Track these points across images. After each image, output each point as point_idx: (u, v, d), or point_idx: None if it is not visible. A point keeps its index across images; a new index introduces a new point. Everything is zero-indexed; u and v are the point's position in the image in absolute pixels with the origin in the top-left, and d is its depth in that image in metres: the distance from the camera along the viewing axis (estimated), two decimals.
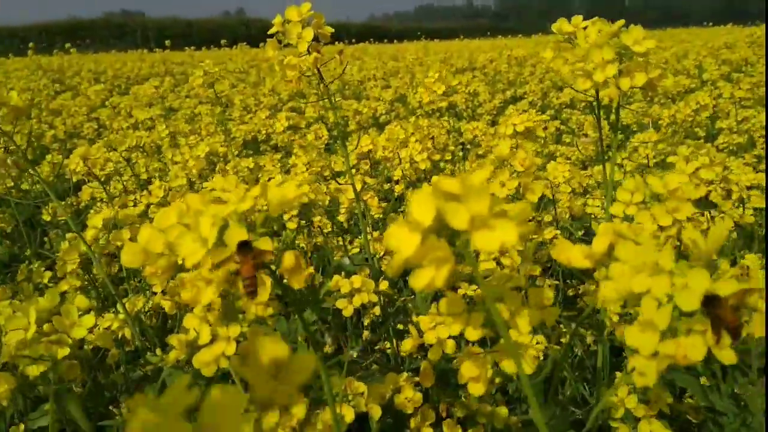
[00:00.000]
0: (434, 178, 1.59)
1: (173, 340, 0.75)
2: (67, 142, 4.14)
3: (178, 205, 0.62)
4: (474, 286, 0.96)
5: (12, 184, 2.62)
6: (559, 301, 1.91)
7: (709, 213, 1.08)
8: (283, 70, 1.13)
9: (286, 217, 1.50)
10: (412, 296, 1.46)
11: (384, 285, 1.22)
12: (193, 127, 3.77)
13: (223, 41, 14.89)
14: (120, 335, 1.07)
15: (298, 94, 5.35)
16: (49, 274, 1.49)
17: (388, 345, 1.54)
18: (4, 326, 0.77)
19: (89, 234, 1.11)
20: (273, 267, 0.61)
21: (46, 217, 2.17)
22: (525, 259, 0.68)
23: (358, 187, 1.46)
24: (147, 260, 0.62)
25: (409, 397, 0.91)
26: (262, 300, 0.59)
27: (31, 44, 11.53)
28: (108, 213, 1.12)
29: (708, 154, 1.02)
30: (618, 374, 1.05)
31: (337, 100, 4.57)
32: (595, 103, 0.98)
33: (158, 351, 1.00)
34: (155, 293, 1.23)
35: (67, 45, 12.64)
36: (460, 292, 1.05)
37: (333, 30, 1.17)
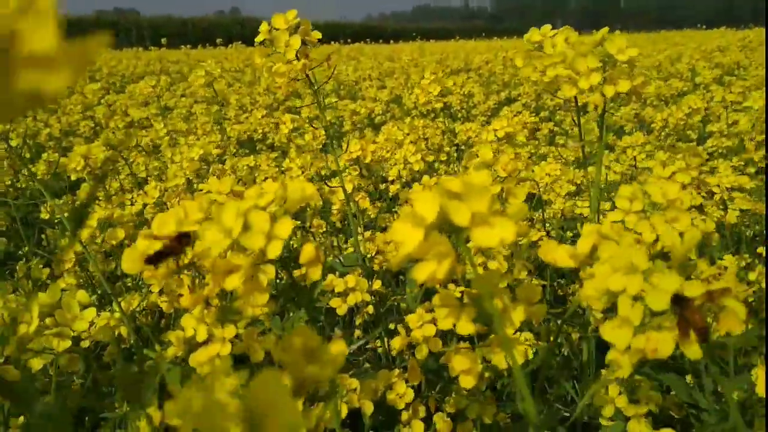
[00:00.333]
0: (425, 178, 1.60)
1: (171, 336, 0.78)
2: (63, 140, 4.15)
3: (175, 211, 0.64)
4: (462, 287, 0.99)
5: (9, 182, 2.64)
6: (549, 300, 1.94)
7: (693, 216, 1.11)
8: (271, 77, 1.15)
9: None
10: (404, 296, 1.49)
11: (377, 284, 1.24)
12: (189, 126, 3.78)
13: (218, 40, 14.87)
14: (116, 333, 1.09)
15: (294, 94, 5.37)
16: (47, 271, 1.51)
17: (379, 344, 1.57)
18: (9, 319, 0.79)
19: (85, 233, 1.13)
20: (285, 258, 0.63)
21: (44, 215, 2.18)
22: (518, 257, 0.71)
23: (349, 188, 1.48)
24: (146, 266, 0.64)
25: (400, 393, 0.94)
26: (260, 302, 0.62)
27: None
28: (103, 213, 1.14)
29: (684, 159, 1.05)
30: (603, 371, 1.08)
31: (333, 101, 4.59)
32: (573, 110, 1.02)
33: (157, 347, 1.02)
34: (151, 291, 1.26)
35: None
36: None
37: (321, 35, 1.18)
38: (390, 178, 2.39)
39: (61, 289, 1.31)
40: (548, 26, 1.18)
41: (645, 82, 0.85)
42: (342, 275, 1.23)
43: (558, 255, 0.63)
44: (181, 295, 0.82)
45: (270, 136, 3.80)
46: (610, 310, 0.64)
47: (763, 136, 1.19)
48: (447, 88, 2.53)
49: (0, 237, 2.50)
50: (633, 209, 0.83)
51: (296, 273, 0.72)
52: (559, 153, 3.28)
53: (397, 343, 0.94)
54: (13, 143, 1.83)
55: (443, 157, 3.40)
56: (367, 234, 1.65)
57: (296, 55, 1.13)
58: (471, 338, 0.80)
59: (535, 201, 2.25)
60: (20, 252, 2.44)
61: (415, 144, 2.31)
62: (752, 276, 1.10)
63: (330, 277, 1.19)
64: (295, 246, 1.92)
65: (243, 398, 0.36)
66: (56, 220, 2.27)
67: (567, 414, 1.21)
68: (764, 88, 4.42)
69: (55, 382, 0.83)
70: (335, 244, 2.01)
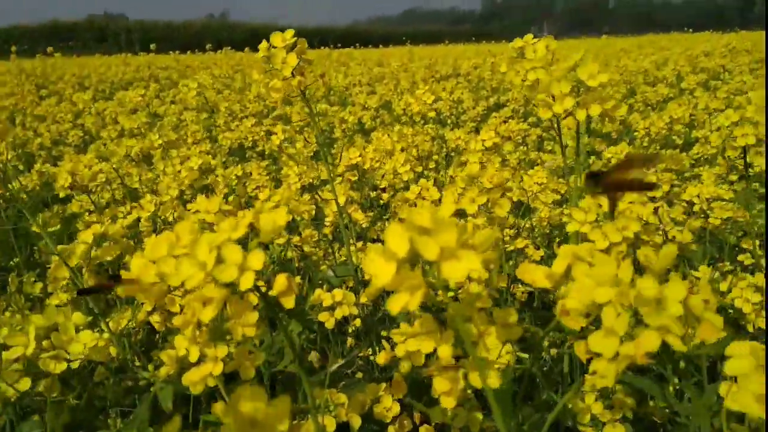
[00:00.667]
0: (413, 187, 1.63)
1: (164, 356, 0.80)
2: (53, 149, 4.14)
3: (167, 236, 0.66)
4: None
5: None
6: (537, 306, 1.98)
7: (663, 228, 1.14)
8: (268, 92, 1.18)
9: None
10: None
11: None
12: (179, 134, 3.79)
13: (208, 46, 14.85)
14: (107, 353, 1.11)
15: (284, 101, 5.38)
16: (40, 285, 1.52)
17: (370, 352, 1.60)
18: (5, 342, 0.81)
19: (79, 249, 1.15)
20: (263, 287, 0.66)
21: (36, 229, 2.19)
22: (490, 284, 0.73)
23: (342, 200, 1.50)
24: (140, 289, 0.67)
25: (387, 406, 0.97)
26: (250, 322, 0.64)
27: (13, 48, 11.42)
28: (98, 228, 1.15)
29: (656, 173, 1.09)
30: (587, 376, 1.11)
31: (323, 107, 4.60)
32: (555, 131, 1.05)
33: (150, 367, 1.03)
34: (143, 306, 1.27)
35: (50, 49, 12.53)
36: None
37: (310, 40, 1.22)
38: (381, 186, 2.42)
39: (55, 305, 1.33)
40: (530, 35, 1.24)
41: (616, 106, 0.89)
42: (333, 287, 1.25)
43: (535, 276, 0.66)
44: (173, 314, 0.85)
45: (260, 144, 3.82)
46: (586, 329, 0.67)
47: (736, 152, 1.22)
48: (438, 96, 2.57)
49: None
50: (588, 219, 0.89)
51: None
52: (546, 159, 3.33)
53: (382, 358, 0.97)
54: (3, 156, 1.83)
55: (432, 165, 3.43)
56: (359, 244, 1.68)
57: (292, 73, 1.17)
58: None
59: (523, 209, 2.29)
60: (12, 262, 2.43)
61: (405, 151, 2.34)
62: (723, 287, 1.14)
63: (318, 291, 1.21)
64: (289, 256, 1.94)
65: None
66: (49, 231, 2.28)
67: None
68: (746, 93, 4.49)
69: (50, 402, 0.85)
70: (329, 251, 2.04)
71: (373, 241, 1.90)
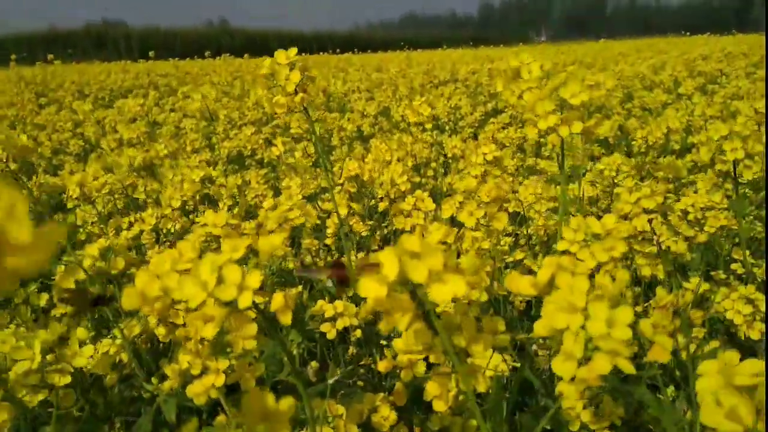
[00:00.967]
0: (408, 198, 1.65)
1: (168, 370, 0.82)
2: (53, 158, 4.17)
3: (171, 253, 0.69)
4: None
5: None
6: (535, 315, 2.00)
7: (658, 241, 1.16)
8: (272, 107, 1.21)
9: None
10: None
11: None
12: (179, 142, 3.81)
13: (207, 53, 14.91)
14: (117, 360, 1.13)
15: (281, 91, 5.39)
16: (45, 296, 1.54)
17: (371, 360, 1.62)
18: (11, 356, 0.84)
19: (86, 263, 1.17)
20: (261, 305, 0.68)
21: None
22: (474, 304, 0.76)
23: (343, 212, 1.52)
24: (144, 303, 0.69)
25: (384, 416, 0.99)
26: (250, 334, 0.67)
27: (13, 56, 11.47)
28: (104, 242, 1.18)
29: (651, 186, 1.12)
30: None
31: (321, 113, 4.63)
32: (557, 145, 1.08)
33: (154, 380, 1.06)
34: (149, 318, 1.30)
35: (51, 56, 12.58)
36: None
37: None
38: (379, 195, 2.45)
39: (62, 314, 1.35)
40: (526, 54, 1.27)
41: (597, 123, 0.92)
42: (333, 298, 1.28)
43: (521, 285, 0.69)
44: (177, 326, 0.87)
45: (259, 152, 3.84)
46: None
47: (726, 166, 1.24)
48: (434, 106, 2.59)
49: None
50: (576, 239, 0.92)
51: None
52: (544, 166, 3.36)
53: (382, 367, 0.99)
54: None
55: (430, 173, 3.46)
56: (360, 255, 1.70)
57: (295, 89, 1.20)
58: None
59: (519, 218, 2.31)
60: None
61: (402, 161, 2.37)
62: (718, 298, 1.16)
63: (320, 302, 1.23)
64: (290, 266, 1.97)
65: None
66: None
67: (547, 427, 1.26)
68: (744, 99, 4.53)
69: (56, 415, 0.87)
70: (329, 261, 2.06)
71: (374, 251, 1.92)
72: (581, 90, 0.88)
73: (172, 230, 1.76)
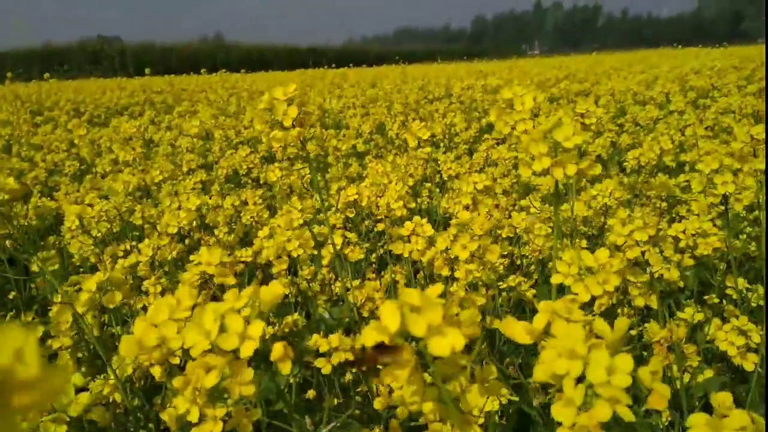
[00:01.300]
0: (407, 224, 1.66)
1: (164, 415, 0.82)
2: (48, 180, 4.17)
3: (168, 300, 0.70)
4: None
5: None
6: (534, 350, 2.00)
7: (651, 271, 1.17)
8: (269, 141, 1.22)
9: (276, 269, 1.57)
10: None
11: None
12: (174, 161, 3.81)
13: (203, 70, 14.96)
14: (111, 399, 1.13)
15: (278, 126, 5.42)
16: (41, 329, 1.53)
17: (366, 388, 1.62)
18: None
19: (83, 297, 1.17)
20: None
21: (35, 269, 2.21)
22: (471, 354, 0.77)
23: (338, 242, 1.53)
24: (142, 351, 0.70)
25: None
26: (246, 380, 0.67)
27: (9, 74, 11.48)
28: (101, 276, 1.18)
29: (642, 218, 1.13)
30: None
31: (317, 131, 4.65)
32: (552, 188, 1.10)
33: (151, 426, 1.06)
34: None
35: (46, 75, 12.60)
36: None
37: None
38: (375, 218, 2.45)
39: (58, 348, 1.35)
40: (519, 87, 1.29)
41: (591, 165, 0.93)
42: (329, 330, 1.28)
43: (516, 331, 0.69)
44: (173, 366, 0.87)
45: (255, 171, 3.85)
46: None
47: (717, 199, 1.26)
48: (431, 124, 2.61)
49: None
50: (571, 273, 0.93)
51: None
52: (539, 183, 3.37)
53: (378, 404, 0.99)
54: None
55: (425, 193, 3.47)
56: (356, 282, 1.71)
57: (292, 124, 1.21)
58: None
59: (514, 239, 2.32)
60: (10, 294, 2.44)
61: (399, 182, 2.38)
62: (712, 329, 1.17)
63: (315, 336, 1.24)
64: (287, 293, 1.97)
65: None
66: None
67: None
68: (736, 113, 4.57)
69: None
70: (326, 284, 2.06)
71: (370, 279, 1.93)
72: (575, 133, 0.90)
73: (169, 258, 1.76)
